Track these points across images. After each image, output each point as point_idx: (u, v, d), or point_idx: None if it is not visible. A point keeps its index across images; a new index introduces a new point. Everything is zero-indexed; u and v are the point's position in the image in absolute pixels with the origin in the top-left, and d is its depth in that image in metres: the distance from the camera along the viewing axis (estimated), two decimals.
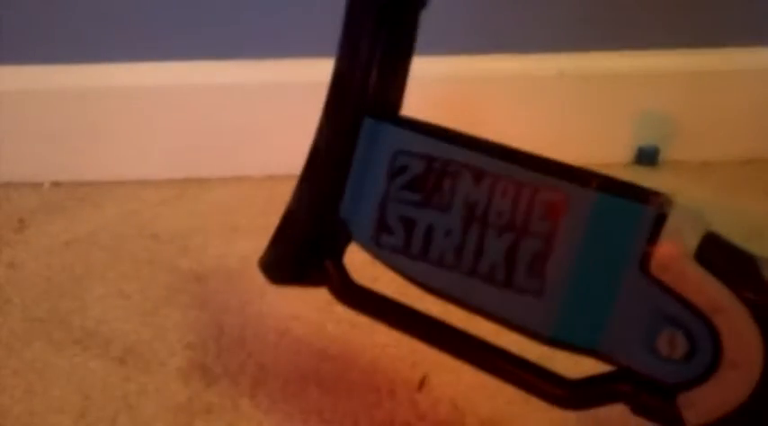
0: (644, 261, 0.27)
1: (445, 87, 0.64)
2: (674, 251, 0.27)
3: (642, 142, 0.68)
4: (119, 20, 0.63)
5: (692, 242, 0.27)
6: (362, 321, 0.36)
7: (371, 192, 0.34)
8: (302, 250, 0.37)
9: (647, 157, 0.68)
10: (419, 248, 0.33)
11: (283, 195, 0.37)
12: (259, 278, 0.39)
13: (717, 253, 0.27)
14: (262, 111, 0.65)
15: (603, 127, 0.68)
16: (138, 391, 0.43)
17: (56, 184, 0.66)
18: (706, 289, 0.27)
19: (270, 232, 0.38)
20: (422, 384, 0.43)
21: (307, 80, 0.38)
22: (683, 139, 0.68)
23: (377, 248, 0.34)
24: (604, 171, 0.29)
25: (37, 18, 0.63)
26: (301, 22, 0.62)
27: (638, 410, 0.29)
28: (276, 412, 0.41)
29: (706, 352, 0.27)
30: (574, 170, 0.30)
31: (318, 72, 0.36)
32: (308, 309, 0.48)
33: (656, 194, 0.28)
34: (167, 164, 0.66)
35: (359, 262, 0.36)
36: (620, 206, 0.28)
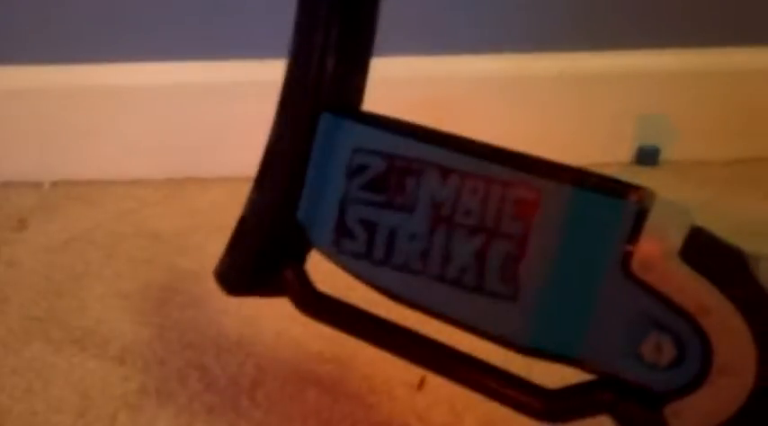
0: (625, 261, 0.25)
1: (443, 87, 0.64)
2: (656, 249, 0.25)
3: (642, 142, 0.68)
4: (118, 20, 0.63)
5: (677, 238, 0.25)
6: None
7: (330, 194, 0.32)
8: (258, 258, 0.34)
9: (647, 157, 0.68)
10: (382, 253, 0.30)
11: None
12: None
13: (703, 250, 0.25)
14: (259, 111, 0.64)
15: (603, 127, 0.67)
16: (138, 391, 0.43)
17: (55, 184, 0.65)
18: (692, 289, 0.24)
19: None
20: (420, 385, 0.43)
21: None
22: (684, 139, 0.68)
23: (337, 253, 0.31)
24: (605, 171, 0.27)
25: (34, 18, 0.63)
26: None
27: (621, 421, 0.27)
28: (275, 413, 0.41)
29: (695, 357, 0.25)
30: (547, 164, 0.27)
31: None
32: None
33: (636, 188, 0.26)
34: (165, 163, 0.66)
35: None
36: (598, 202, 0.26)
